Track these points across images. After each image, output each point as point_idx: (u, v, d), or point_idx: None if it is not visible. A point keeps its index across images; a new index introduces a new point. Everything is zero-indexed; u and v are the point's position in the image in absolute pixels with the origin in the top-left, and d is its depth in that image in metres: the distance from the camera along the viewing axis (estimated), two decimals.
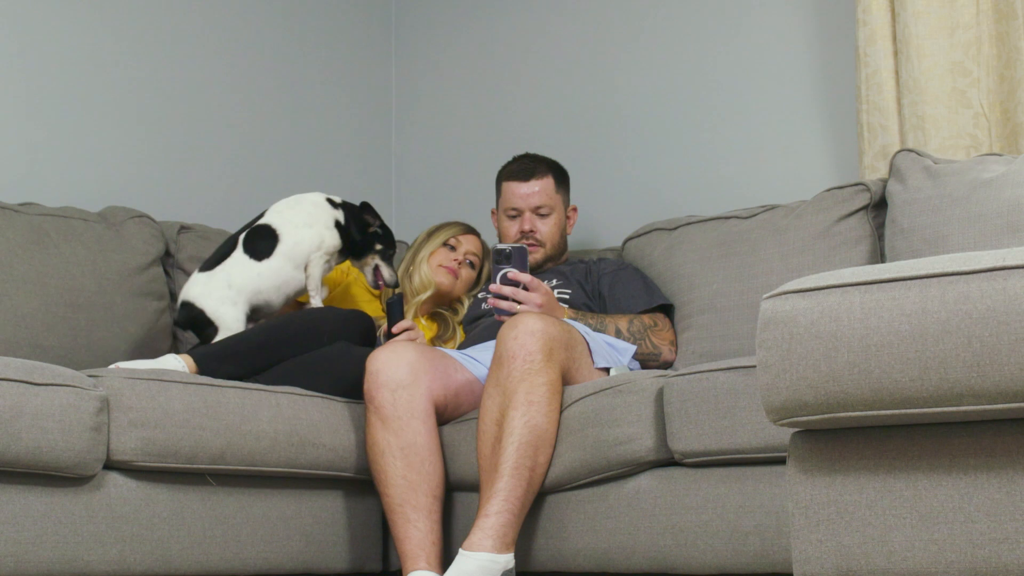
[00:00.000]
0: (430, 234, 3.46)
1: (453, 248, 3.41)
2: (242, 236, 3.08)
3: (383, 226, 3.22)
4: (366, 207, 3.19)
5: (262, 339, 2.88)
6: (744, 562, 2.38)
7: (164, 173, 3.67)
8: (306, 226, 3.09)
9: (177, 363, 2.70)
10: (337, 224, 3.14)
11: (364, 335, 3.01)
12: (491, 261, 2.91)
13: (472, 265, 3.42)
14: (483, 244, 3.48)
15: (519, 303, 2.83)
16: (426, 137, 4.31)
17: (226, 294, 2.99)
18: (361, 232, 3.18)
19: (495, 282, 2.86)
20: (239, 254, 3.04)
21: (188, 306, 3.02)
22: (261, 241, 3.06)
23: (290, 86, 4.05)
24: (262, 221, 3.10)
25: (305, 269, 3.09)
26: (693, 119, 3.68)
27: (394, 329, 3.03)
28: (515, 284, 2.85)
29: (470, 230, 3.49)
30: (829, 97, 3.43)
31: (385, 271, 3.20)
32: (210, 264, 3.07)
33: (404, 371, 2.72)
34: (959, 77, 3.07)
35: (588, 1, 3.95)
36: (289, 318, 2.97)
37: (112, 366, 2.62)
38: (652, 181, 3.74)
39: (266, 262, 3.04)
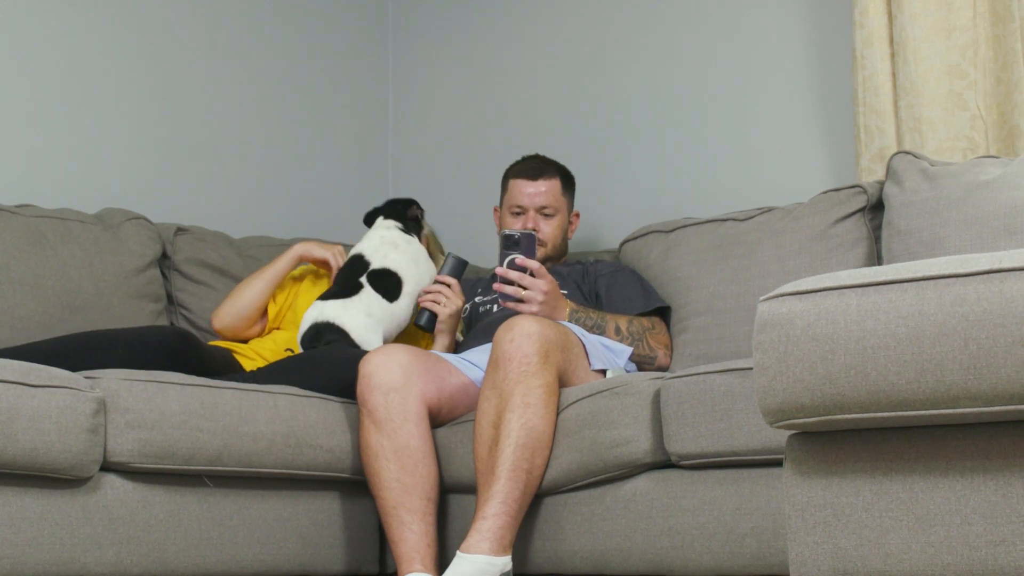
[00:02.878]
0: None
1: None
2: (364, 277, 3.15)
3: (420, 207, 3.40)
4: (409, 203, 3.36)
5: (52, 351, 2.69)
6: (741, 564, 2.38)
7: (161, 175, 3.67)
8: (414, 263, 3.23)
9: None
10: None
11: (147, 352, 2.77)
12: (499, 246, 2.91)
13: None
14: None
15: (524, 288, 2.84)
16: (422, 138, 4.31)
17: (367, 322, 3.07)
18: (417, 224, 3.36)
19: (502, 267, 2.86)
20: (371, 292, 3.12)
21: (325, 326, 3.04)
22: (388, 282, 3.16)
23: (287, 88, 4.05)
24: (380, 265, 3.18)
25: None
26: (690, 121, 3.68)
27: (439, 277, 3.17)
28: (522, 270, 2.85)
29: None
30: (826, 100, 3.43)
31: (459, 258, 3.33)
32: (336, 295, 3.12)
33: (396, 374, 2.72)
34: (956, 79, 3.07)
35: (586, 4, 3.95)
36: (81, 336, 2.81)
37: None
38: (649, 183, 3.75)
39: (396, 303, 3.15)
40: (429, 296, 3.15)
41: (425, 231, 3.39)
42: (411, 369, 2.74)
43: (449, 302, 3.13)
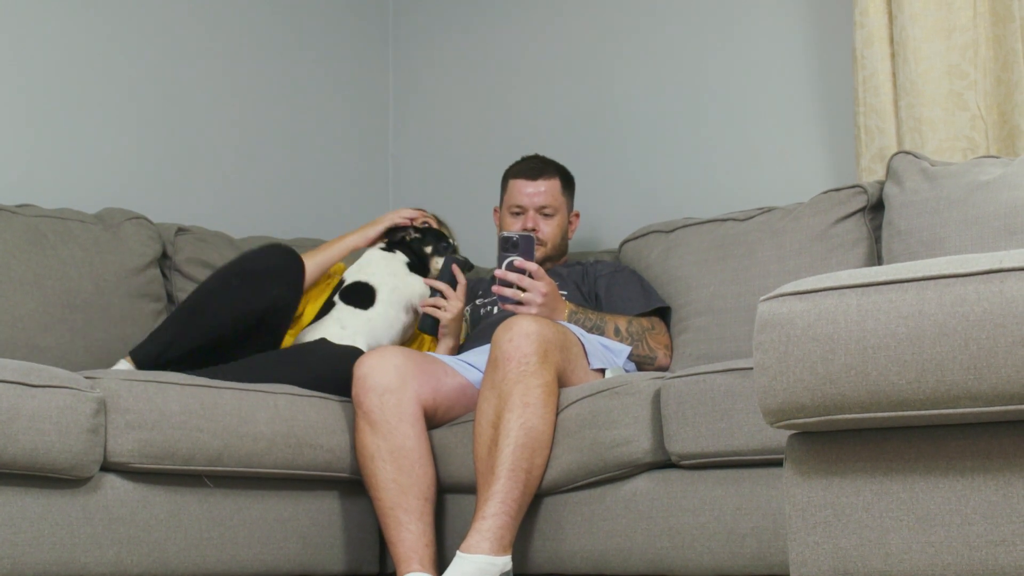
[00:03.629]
0: None
1: None
2: (337, 295, 3.17)
3: (417, 229, 3.34)
4: (393, 231, 3.33)
5: (191, 307, 2.87)
6: (741, 564, 2.38)
7: (161, 175, 3.67)
8: (391, 274, 3.22)
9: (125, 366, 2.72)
10: (409, 265, 3.28)
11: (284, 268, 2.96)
12: (497, 248, 2.90)
13: None
14: (436, 217, 3.50)
15: (523, 290, 2.83)
16: (423, 139, 4.31)
17: (341, 334, 3.06)
18: (414, 251, 3.31)
19: (500, 269, 2.86)
20: (342, 306, 3.13)
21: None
22: (360, 293, 3.16)
23: (287, 88, 4.05)
24: (352, 280, 3.20)
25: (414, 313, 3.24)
26: (691, 121, 3.68)
27: (430, 282, 3.20)
28: (521, 272, 2.85)
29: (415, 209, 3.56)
30: (826, 99, 3.43)
31: (456, 260, 3.25)
32: (312, 322, 3.15)
33: (391, 375, 2.72)
34: (956, 80, 3.07)
35: (586, 4, 3.95)
36: (205, 283, 2.96)
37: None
38: (649, 183, 3.75)
39: (372, 310, 3.14)
40: (430, 302, 3.16)
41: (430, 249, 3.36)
42: (406, 370, 2.74)
43: (448, 306, 3.13)
